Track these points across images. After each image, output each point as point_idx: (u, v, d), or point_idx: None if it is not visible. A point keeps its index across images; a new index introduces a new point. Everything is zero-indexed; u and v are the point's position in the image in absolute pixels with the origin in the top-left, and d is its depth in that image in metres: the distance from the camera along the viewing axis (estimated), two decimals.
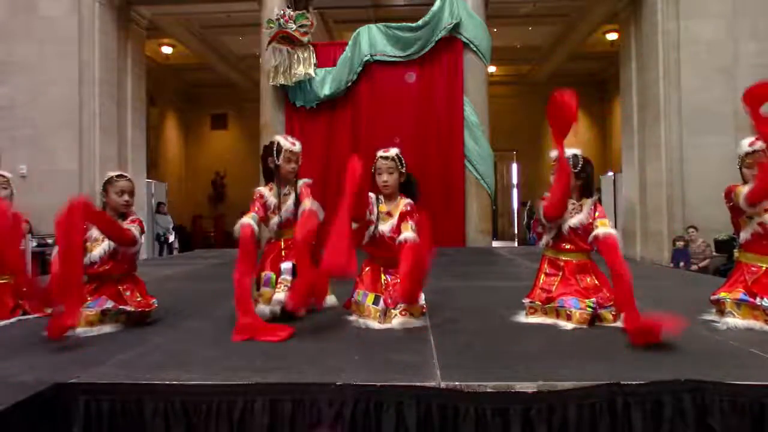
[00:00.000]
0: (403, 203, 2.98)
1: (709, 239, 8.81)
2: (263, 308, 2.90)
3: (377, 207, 2.99)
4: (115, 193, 2.95)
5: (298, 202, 3.09)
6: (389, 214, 2.97)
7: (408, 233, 2.83)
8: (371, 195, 3.01)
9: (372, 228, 2.95)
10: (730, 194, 2.76)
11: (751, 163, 2.72)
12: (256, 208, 3.06)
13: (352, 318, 2.90)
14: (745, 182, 2.78)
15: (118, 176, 3.00)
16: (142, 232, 2.96)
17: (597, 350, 2.32)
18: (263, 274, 3.04)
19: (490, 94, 10.22)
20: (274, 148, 3.10)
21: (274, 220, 3.10)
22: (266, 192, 3.14)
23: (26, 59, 9.69)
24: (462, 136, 9.72)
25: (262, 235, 3.43)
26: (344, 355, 2.24)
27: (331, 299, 3.20)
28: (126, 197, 2.96)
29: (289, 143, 3.12)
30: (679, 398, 1.79)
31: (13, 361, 2.19)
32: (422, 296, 2.94)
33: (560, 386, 1.81)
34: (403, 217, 2.92)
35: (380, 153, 3.02)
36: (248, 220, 2.90)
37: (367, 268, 2.99)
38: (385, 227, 2.94)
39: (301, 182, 3.15)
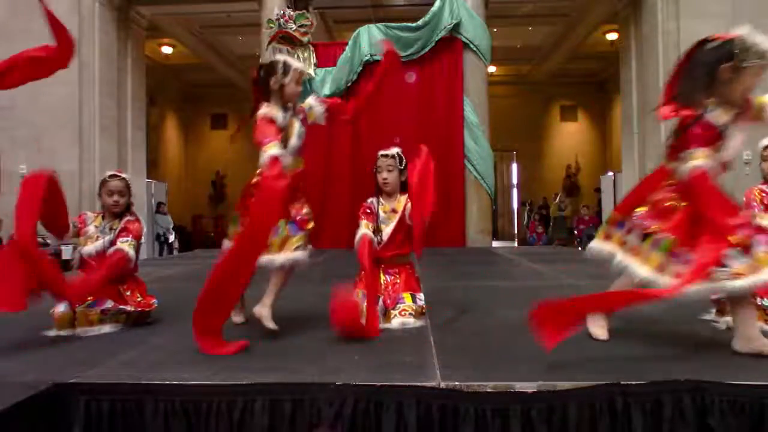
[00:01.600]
0: (406, 198, 3.00)
1: None
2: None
3: (379, 209, 3.00)
4: (105, 193, 2.95)
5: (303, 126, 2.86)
6: (393, 211, 2.99)
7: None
8: (371, 201, 3.04)
9: (378, 235, 2.95)
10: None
11: (767, 156, 2.79)
12: (275, 137, 2.62)
13: None
14: (764, 178, 2.84)
15: (110, 176, 2.99)
16: (138, 237, 2.91)
17: (597, 350, 2.32)
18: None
19: (490, 94, 10.23)
20: (280, 67, 2.81)
21: (291, 143, 2.79)
22: (276, 113, 2.75)
23: None
24: (462, 136, 9.72)
25: None
26: (344, 355, 2.23)
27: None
28: (115, 197, 2.92)
29: (296, 62, 2.88)
30: (679, 398, 1.79)
31: (13, 361, 2.19)
32: (422, 296, 2.95)
33: (560, 386, 1.81)
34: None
35: (381, 152, 3.06)
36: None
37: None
38: (390, 227, 2.95)
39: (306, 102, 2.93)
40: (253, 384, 1.87)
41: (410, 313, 2.80)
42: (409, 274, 2.97)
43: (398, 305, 2.82)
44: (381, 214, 2.99)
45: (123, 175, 3.02)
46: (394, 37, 9.86)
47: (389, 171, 3.00)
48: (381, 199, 3.04)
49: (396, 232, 2.95)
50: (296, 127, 2.82)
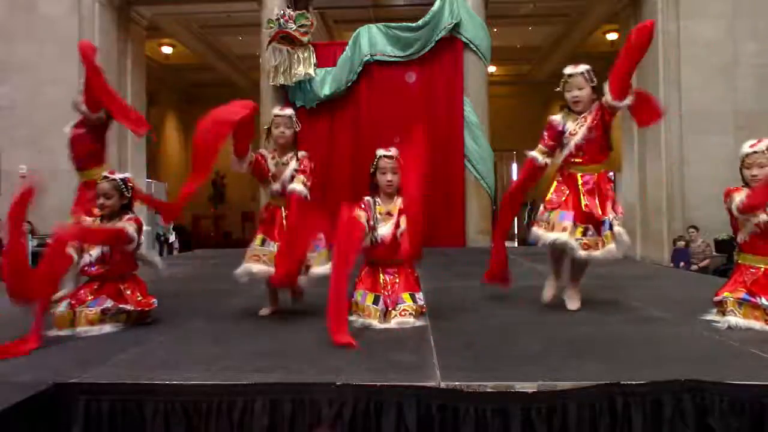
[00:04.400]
0: (400, 201, 2.97)
1: (709, 239, 8.82)
2: (261, 267, 3.01)
3: (375, 210, 2.98)
4: (96, 196, 2.94)
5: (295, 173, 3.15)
6: (389, 214, 2.97)
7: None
8: (367, 199, 3.01)
9: (371, 233, 2.92)
10: (728, 197, 2.76)
11: (750, 163, 2.73)
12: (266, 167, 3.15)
13: (352, 318, 2.89)
14: (744, 182, 2.78)
15: (102, 178, 2.96)
16: (139, 230, 2.92)
17: (597, 350, 2.32)
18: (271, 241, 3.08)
19: (490, 94, 10.21)
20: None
21: (274, 187, 3.14)
22: (268, 156, 3.19)
23: (26, 59, 9.68)
24: (462, 136, 9.70)
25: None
26: (344, 355, 2.23)
27: (324, 269, 3.04)
28: (101, 200, 2.90)
29: (277, 108, 3.31)
30: (679, 398, 1.79)
31: (13, 361, 2.19)
32: (421, 296, 2.94)
33: (560, 386, 1.81)
34: (401, 213, 2.93)
35: (382, 152, 3.02)
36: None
37: (366, 269, 2.99)
38: (386, 230, 2.93)
39: (301, 154, 3.20)
40: (253, 384, 1.87)
41: (410, 313, 2.80)
42: (408, 274, 2.96)
43: (398, 305, 2.82)
44: (377, 215, 2.97)
45: (113, 177, 2.96)
46: (394, 37, 9.85)
47: (394, 173, 2.97)
48: (378, 200, 3.01)
49: (391, 236, 2.92)
50: (286, 173, 3.15)
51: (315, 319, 2.95)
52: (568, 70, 3.21)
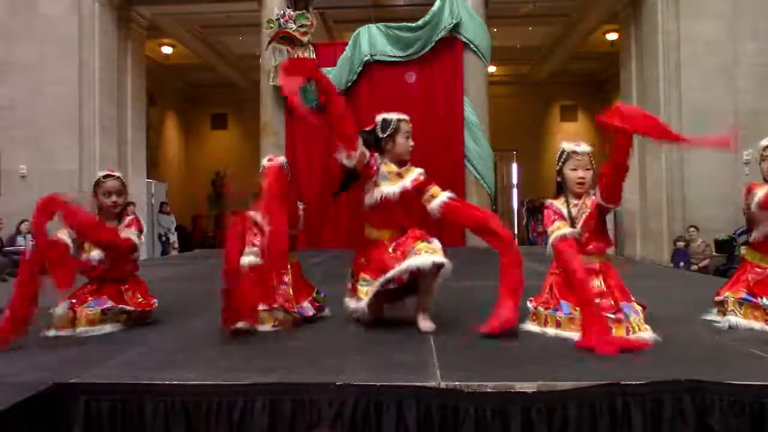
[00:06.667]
0: (417, 172, 2.83)
1: (709, 239, 8.82)
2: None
3: (380, 165, 2.80)
4: (102, 194, 2.89)
5: None
6: (399, 175, 2.80)
7: (442, 196, 2.78)
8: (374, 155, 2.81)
9: (373, 191, 2.77)
10: (749, 192, 2.74)
11: (767, 156, 2.74)
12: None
13: (351, 304, 2.81)
14: (764, 178, 2.77)
15: (105, 176, 2.94)
16: (140, 232, 2.92)
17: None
18: None
19: (490, 94, 10.22)
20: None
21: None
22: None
23: (26, 59, 9.69)
24: (462, 136, 9.71)
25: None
26: (344, 355, 2.24)
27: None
28: (113, 198, 2.88)
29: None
30: (679, 398, 1.79)
31: (13, 361, 2.19)
32: (436, 240, 2.81)
33: (560, 386, 1.81)
34: (423, 185, 2.79)
35: (402, 116, 2.86)
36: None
37: (369, 248, 2.81)
38: (394, 188, 2.77)
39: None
40: (253, 384, 1.87)
41: (426, 251, 2.61)
42: (417, 232, 2.81)
43: (411, 251, 2.64)
44: (384, 171, 2.81)
45: (117, 174, 2.97)
46: (393, 37, 9.85)
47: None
48: (385, 160, 2.86)
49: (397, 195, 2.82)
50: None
51: (315, 319, 2.95)
52: (574, 147, 2.85)
